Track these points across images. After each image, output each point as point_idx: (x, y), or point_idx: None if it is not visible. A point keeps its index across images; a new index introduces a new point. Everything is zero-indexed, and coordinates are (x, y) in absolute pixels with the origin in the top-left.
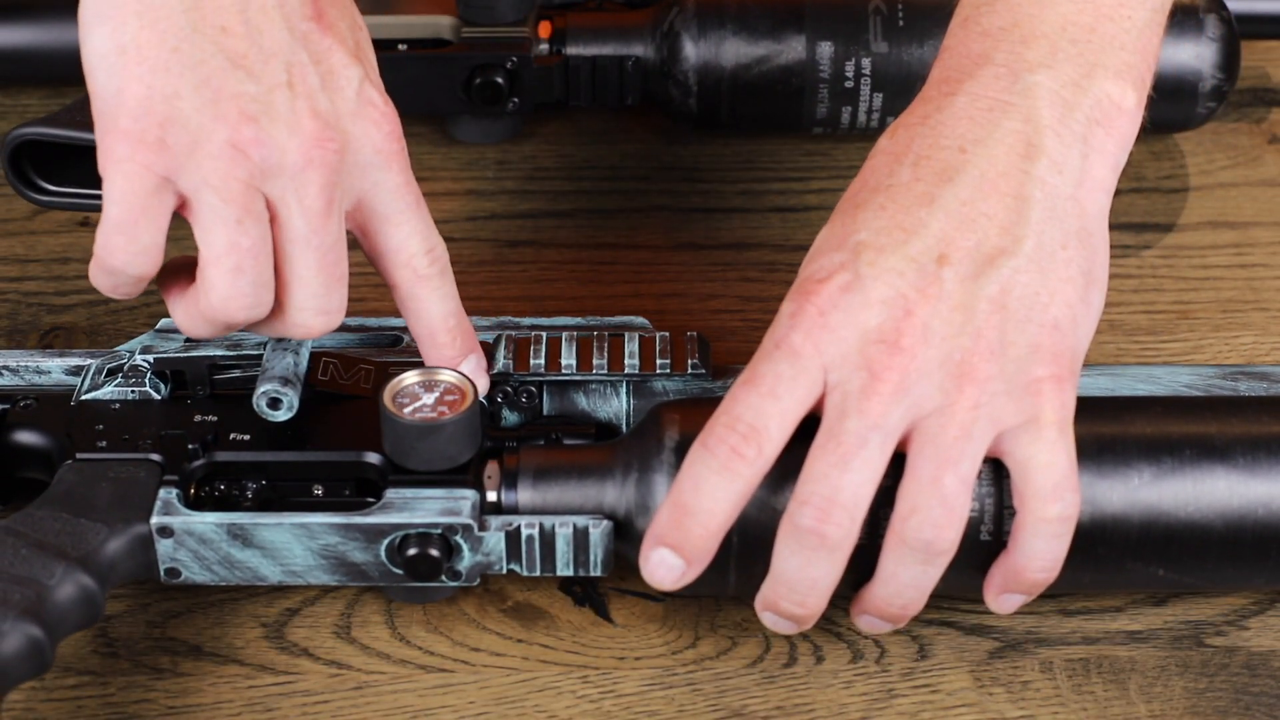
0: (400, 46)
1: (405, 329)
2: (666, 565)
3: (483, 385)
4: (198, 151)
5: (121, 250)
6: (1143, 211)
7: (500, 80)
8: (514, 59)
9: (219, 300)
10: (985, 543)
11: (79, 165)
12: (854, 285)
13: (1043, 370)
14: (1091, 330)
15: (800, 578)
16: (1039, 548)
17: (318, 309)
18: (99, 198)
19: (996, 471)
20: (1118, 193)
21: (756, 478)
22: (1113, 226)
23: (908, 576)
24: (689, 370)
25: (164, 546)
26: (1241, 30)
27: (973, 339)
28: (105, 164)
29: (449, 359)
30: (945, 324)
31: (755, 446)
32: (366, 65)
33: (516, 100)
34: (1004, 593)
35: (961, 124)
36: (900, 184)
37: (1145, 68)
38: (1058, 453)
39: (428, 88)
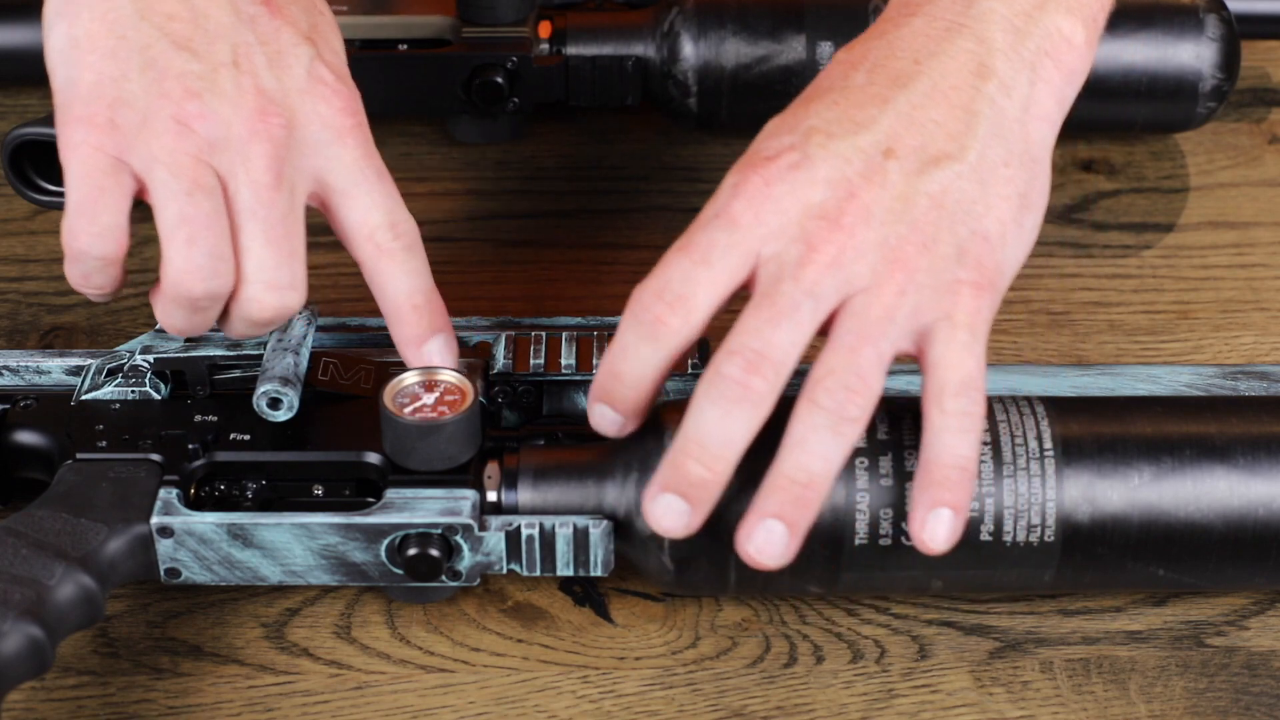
0: (400, 46)
1: None
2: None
3: (450, 363)
4: (146, 129)
5: (83, 232)
6: (1143, 211)
7: (500, 80)
8: (514, 59)
9: (175, 274)
10: (985, 543)
11: None
12: (802, 164)
13: (965, 274)
14: (1023, 253)
15: (716, 431)
16: (947, 442)
17: (268, 282)
18: None
19: (997, 472)
20: (1117, 192)
21: (683, 344)
22: (1113, 226)
23: (816, 444)
24: (689, 370)
25: (164, 546)
26: (1241, 30)
27: (909, 228)
28: (63, 152)
29: (413, 337)
30: (886, 210)
31: (682, 315)
32: (322, 46)
33: (516, 100)
34: (920, 509)
35: (918, 39)
36: (854, 86)
37: (1098, 7)
38: (966, 356)
39: (428, 88)
